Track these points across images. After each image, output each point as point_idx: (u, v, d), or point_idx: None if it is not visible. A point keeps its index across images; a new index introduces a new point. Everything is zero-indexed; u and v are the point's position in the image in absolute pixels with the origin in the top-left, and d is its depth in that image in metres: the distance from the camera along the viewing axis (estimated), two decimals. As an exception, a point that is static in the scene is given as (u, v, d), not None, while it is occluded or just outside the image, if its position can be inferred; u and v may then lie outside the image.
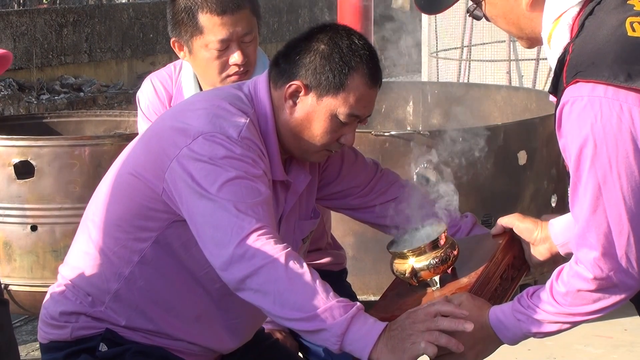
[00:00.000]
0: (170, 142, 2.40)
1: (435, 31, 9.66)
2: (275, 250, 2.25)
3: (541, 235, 2.52)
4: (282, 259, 2.25)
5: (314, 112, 2.47)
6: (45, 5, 12.58)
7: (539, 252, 2.53)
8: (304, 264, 2.27)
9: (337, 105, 2.46)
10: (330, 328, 2.22)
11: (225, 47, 3.00)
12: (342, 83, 2.45)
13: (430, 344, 2.21)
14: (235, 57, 3.00)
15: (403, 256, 2.47)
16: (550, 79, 2.23)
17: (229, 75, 3.03)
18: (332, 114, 2.47)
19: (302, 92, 2.47)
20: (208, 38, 3.00)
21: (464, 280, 2.42)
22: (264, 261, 2.24)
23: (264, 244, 2.26)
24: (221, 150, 2.36)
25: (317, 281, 2.25)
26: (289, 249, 2.28)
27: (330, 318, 2.22)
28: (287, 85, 2.48)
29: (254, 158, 2.40)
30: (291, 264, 2.25)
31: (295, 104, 2.48)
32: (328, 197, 2.76)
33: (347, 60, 2.45)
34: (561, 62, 2.16)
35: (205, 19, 2.99)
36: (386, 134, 4.84)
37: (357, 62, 2.46)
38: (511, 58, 9.35)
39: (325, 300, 2.23)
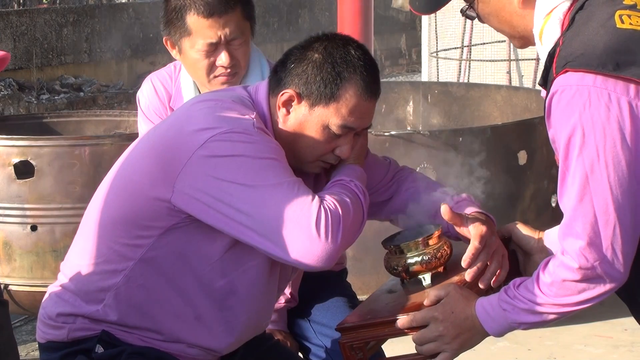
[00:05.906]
0: (181, 145, 2.37)
1: (436, 31, 9.67)
2: (335, 203, 2.34)
3: (538, 245, 2.51)
4: (340, 204, 2.35)
5: (307, 121, 2.45)
6: (45, 5, 12.58)
7: (535, 261, 2.50)
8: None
9: (328, 116, 2.44)
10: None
11: (213, 50, 3.01)
12: (333, 93, 2.42)
13: None
14: (222, 59, 3.01)
15: (397, 250, 2.47)
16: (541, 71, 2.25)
17: (216, 77, 3.04)
18: (324, 125, 2.44)
19: (295, 101, 2.45)
20: (195, 39, 3.00)
21: (455, 279, 2.43)
22: (343, 219, 2.32)
23: (325, 210, 2.31)
24: (241, 144, 2.35)
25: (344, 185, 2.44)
26: (322, 194, 2.37)
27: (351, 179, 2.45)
28: (280, 93, 2.46)
29: (275, 143, 2.41)
30: (331, 199, 2.36)
31: (288, 112, 2.47)
32: None
33: (339, 71, 2.43)
34: (551, 54, 2.19)
35: (192, 20, 3.00)
36: (386, 133, 4.83)
37: (351, 72, 2.43)
38: (511, 58, 9.36)
39: (348, 181, 2.45)
